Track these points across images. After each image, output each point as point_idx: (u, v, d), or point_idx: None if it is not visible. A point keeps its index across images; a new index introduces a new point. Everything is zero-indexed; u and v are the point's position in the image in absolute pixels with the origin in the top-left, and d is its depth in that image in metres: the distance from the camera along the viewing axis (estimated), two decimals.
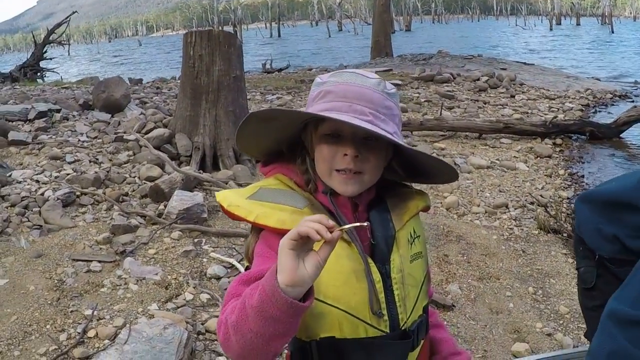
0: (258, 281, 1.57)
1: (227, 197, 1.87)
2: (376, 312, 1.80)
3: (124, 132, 9.81)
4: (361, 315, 1.79)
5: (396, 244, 1.92)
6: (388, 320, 1.83)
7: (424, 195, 2.12)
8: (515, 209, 7.65)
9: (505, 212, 7.57)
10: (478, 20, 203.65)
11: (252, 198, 1.85)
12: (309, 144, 1.94)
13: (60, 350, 4.37)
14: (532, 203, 7.77)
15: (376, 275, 1.82)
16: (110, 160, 8.69)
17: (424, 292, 2.00)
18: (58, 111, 10.96)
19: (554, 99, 16.27)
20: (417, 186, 2.15)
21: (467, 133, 11.65)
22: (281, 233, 1.67)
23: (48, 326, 4.66)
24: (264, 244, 1.82)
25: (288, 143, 2.00)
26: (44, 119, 10.42)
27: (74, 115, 11.05)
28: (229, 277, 5.60)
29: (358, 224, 1.60)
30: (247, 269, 1.95)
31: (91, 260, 5.69)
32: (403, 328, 1.87)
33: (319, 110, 1.80)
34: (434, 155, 2.03)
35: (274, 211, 1.79)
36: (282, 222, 1.76)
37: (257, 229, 1.86)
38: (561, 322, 5.18)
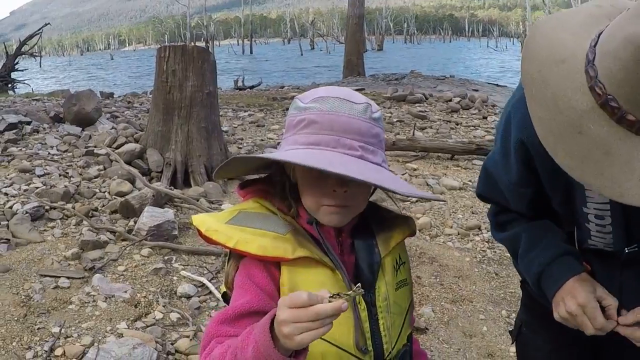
0: (251, 331, 1.52)
1: (205, 222, 1.79)
2: (361, 348, 1.75)
3: (95, 146, 9.72)
4: (345, 346, 1.74)
5: (382, 270, 1.87)
6: (372, 351, 1.79)
7: (410, 220, 2.08)
8: (488, 230, 7.59)
9: (478, 234, 7.55)
10: (450, 41, 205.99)
11: (231, 223, 1.77)
12: (291, 171, 1.85)
13: None
14: None
15: (361, 304, 1.77)
16: (80, 174, 8.58)
17: (409, 320, 1.96)
18: (29, 123, 10.84)
19: None
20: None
21: (439, 154, 11.63)
22: (262, 260, 1.62)
23: (14, 343, 4.55)
24: (244, 275, 1.76)
25: (267, 167, 1.94)
26: (14, 131, 10.29)
27: (44, 128, 10.94)
28: (199, 297, 5.52)
29: (353, 292, 1.51)
30: (224, 294, 1.90)
31: (59, 276, 5.59)
32: (388, 358, 1.83)
33: (304, 142, 1.73)
34: (414, 185, 1.97)
35: (255, 237, 1.72)
36: (264, 249, 1.70)
37: (237, 255, 1.79)
38: None
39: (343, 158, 1.70)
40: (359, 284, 1.54)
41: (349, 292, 1.49)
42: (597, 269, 2.15)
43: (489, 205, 2.55)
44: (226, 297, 1.89)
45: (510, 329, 2.82)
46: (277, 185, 1.90)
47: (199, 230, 1.80)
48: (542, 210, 2.28)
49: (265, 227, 1.76)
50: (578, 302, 1.99)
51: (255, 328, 1.50)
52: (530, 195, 2.21)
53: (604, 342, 2.56)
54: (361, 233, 1.91)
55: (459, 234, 7.53)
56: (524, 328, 2.66)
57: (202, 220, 1.81)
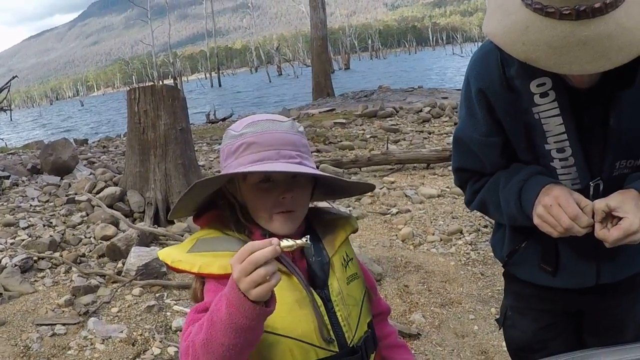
0: (221, 295, 1.67)
1: (170, 254, 1.97)
2: (326, 338, 1.92)
3: (75, 194, 9.76)
4: (309, 340, 1.91)
5: (332, 269, 2.05)
6: (335, 340, 1.95)
7: (350, 218, 2.28)
8: (470, 233, 7.75)
9: (460, 238, 7.67)
10: (415, 53, 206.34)
11: (192, 250, 1.95)
12: (237, 193, 2.05)
13: None
14: (485, 226, 7.87)
15: (318, 301, 1.94)
16: (64, 222, 8.64)
17: (366, 309, 2.13)
18: (7, 177, 10.87)
19: None
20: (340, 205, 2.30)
21: (415, 164, 11.78)
22: (225, 277, 1.77)
23: None
24: (213, 283, 1.92)
25: (214, 195, 2.10)
26: None
27: (23, 181, 10.96)
28: None
29: (301, 241, 1.70)
30: None
31: (55, 324, 5.66)
32: (351, 345, 1.99)
33: (249, 162, 1.93)
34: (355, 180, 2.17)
35: (215, 259, 1.89)
36: (225, 268, 1.83)
37: (201, 277, 1.97)
38: None
39: (285, 164, 1.92)
40: (309, 236, 1.74)
41: (297, 241, 1.68)
42: None
43: (468, 211, 2.66)
44: None
45: (497, 318, 2.93)
46: (227, 210, 2.08)
47: (166, 263, 1.98)
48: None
49: (222, 249, 1.94)
50: (552, 194, 2.11)
51: (225, 289, 1.65)
52: (501, 145, 2.35)
53: (585, 316, 2.70)
54: None
55: (441, 240, 7.64)
56: (509, 312, 2.79)
57: (167, 254, 1.98)
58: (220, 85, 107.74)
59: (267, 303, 1.64)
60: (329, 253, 2.07)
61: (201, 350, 1.68)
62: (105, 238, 7.86)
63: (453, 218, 8.38)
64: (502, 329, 2.91)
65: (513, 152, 2.38)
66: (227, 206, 2.08)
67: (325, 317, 1.94)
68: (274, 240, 1.59)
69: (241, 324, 1.60)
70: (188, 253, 1.94)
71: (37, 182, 10.84)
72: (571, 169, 2.23)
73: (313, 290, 1.95)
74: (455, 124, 12.37)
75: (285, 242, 1.66)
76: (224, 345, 1.63)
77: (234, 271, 1.58)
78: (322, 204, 2.38)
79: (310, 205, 2.17)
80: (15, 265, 6.86)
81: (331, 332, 1.94)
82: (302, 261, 2.03)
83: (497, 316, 2.87)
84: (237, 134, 2.00)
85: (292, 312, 1.89)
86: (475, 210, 2.68)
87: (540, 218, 2.13)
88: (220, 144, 13.50)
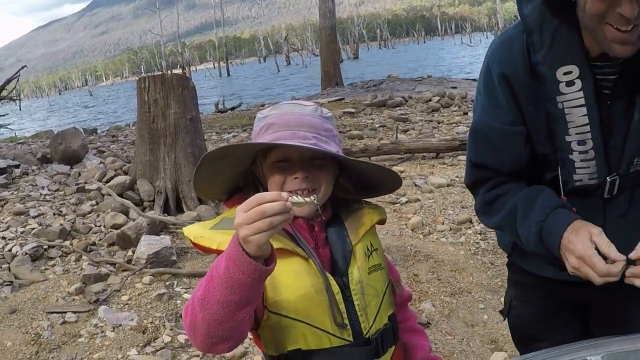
0: (223, 253, 1.69)
1: (193, 230, 2.00)
2: (339, 323, 1.92)
3: (85, 183, 9.78)
4: (323, 327, 1.92)
5: (354, 257, 2.04)
6: (351, 330, 1.95)
7: (378, 209, 2.29)
8: (479, 223, 7.65)
9: (469, 227, 7.65)
10: (424, 42, 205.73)
11: (215, 228, 1.97)
12: (260, 174, 2.08)
13: None
14: None
15: (335, 288, 1.95)
16: (74, 211, 8.66)
17: (387, 301, 2.12)
18: (17, 167, 10.89)
19: None
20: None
21: (424, 154, 11.75)
22: None
23: None
24: None
25: (243, 178, 2.14)
26: (3, 176, 10.32)
27: (33, 170, 10.99)
28: None
29: (309, 199, 1.71)
30: None
31: (66, 312, 5.68)
32: (367, 336, 1.99)
33: (266, 141, 1.96)
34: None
35: None
36: None
37: None
38: None
39: (292, 141, 1.94)
40: (315, 196, 1.77)
41: (306, 199, 1.69)
42: (580, 213, 2.17)
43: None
44: None
45: (502, 309, 2.92)
46: (251, 190, 2.10)
47: (190, 239, 2.00)
48: (531, 162, 2.35)
49: None
50: (576, 255, 2.04)
51: (227, 247, 1.66)
52: (524, 137, 2.28)
53: (591, 306, 2.68)
54: (332, 225, 2.11)
55: (451, 229, 7.63)
56: (514, 302, 2.77)
57: (191, 230, 2.01)
58: (228, 75, 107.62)
59: (267, 262, 1.64)
60: (352, 241, 2.07)
61: (199, 306, 1.69)
62: (116, 226, 7.89)
63: (462, 207, 8.37)
64: (506, 320, 2.88)
65: (533, 147, 2.31)
66: (252, 187, 2.11)
67: (342, 305, 1.94)
68: (284, 194, 1.59)
69: (237, 278, 1.60)
70: (210, 230, 1.96)
71: (47, 171, 10.86)
72: (590, 162, 2.18)
73: (330, 277, 1.95)
74: (465, 113, 12.40)
75: (295, 198, 1.66)
76: (219, 302, 1.64)
77: (238, 217, 1.58)
78: None
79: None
80: (26, 254, 6.90)
81: (345, 319, 1.94)
82: (325, 248, 2.04)
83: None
84: (262, 117, 2.07)
85: (307, 297, 1.90)
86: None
87: (575, 275, 2.10)
88: (229, 133, 13.58)
